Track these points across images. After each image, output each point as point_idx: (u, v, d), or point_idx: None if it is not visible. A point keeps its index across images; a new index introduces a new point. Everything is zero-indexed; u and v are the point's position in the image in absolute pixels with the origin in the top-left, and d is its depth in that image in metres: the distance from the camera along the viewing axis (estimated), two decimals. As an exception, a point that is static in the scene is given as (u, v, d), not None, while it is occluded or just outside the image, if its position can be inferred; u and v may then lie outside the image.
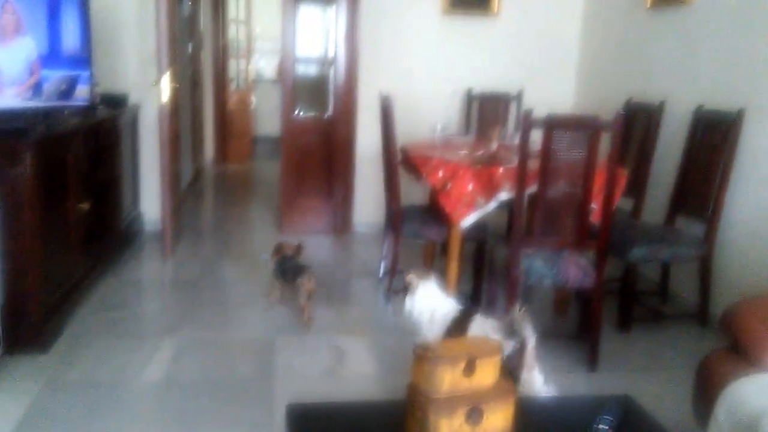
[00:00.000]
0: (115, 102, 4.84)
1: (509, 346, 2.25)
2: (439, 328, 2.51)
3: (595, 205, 3.34)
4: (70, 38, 3.88)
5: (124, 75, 5.19)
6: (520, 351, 2.26)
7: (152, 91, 4.93)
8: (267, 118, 10.05)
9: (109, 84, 4.92)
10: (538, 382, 2.30)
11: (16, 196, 3.12)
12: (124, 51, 5.18)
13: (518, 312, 2.33)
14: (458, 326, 2.47)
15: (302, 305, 3.70)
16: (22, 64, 3.50)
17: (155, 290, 4.36)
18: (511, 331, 2.30)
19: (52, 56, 3.70)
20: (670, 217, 4.12)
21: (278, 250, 3.99)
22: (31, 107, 3.58)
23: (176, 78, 4.98)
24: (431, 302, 2.59)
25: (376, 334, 3.72)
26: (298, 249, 3.98)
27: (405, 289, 2.65)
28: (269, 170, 8.31)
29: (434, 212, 4.04)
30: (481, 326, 2.40)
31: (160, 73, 4.69)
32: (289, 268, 3.84)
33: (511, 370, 2.17)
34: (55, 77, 3.75)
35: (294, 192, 5.63)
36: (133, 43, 5.19)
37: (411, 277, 2.65)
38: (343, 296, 4.38)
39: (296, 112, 5.58)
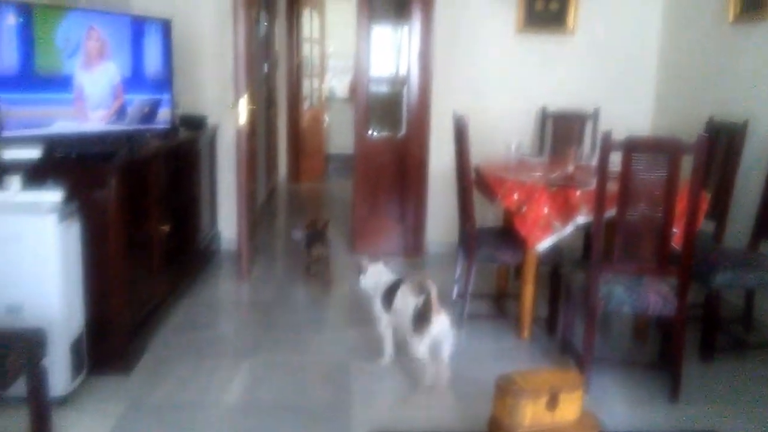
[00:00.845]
0: (194, 124, 4.97)
1: (420, 300, 3.23)
2: (380, 294, 3.56)
3: (677, 230, 3.26)
4: (152, 63, 4.01)
5: (203, 97, 5.33)
6: (427, 300, 3.19)
7: (230, 113, 5.05)
8: (339, 136, 10.16)
9: (189, 106, 5.07)
10: (445, 322, 3.23)
11: (100, 219, 3.21)
12: (203, 74, 5.33)
13: (422, 274, 3.64)
14: (390, 291, 3.51)
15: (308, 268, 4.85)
16: (106, 89, 3.63)
17: (232, 311, 4.43)
18: (421, 288, 3.27)
19: (134, 80, 3.84)
20: (755, 241, 3.95)
21: (309, 225, 5.01)
22: (115, 131, 3.71)
23: (253, 99, 5.09)
24: (377, 277, 3.62)
25: (450, 359, 3.69)
26: (326, 224, 5.00)
27: (359, 270, 3.65)
28: (342, 189, 8.38)
29: (509, 235, 4.01)
30: (403, 290, 3.43)
31: (238, 95, 4.79)
32: (311, 238, 4.86)
33: (423, 314, 3.20)
34: (137, 101, 3.88)
35: (366, 212, 5.67)
36: (210, 65, 5.34)
37: (362, 260, 3.71)
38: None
39: (369, 132, 5.63)
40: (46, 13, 3.25)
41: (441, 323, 3.23)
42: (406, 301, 3.36)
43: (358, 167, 5.64)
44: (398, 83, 5.72)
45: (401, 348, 3.53)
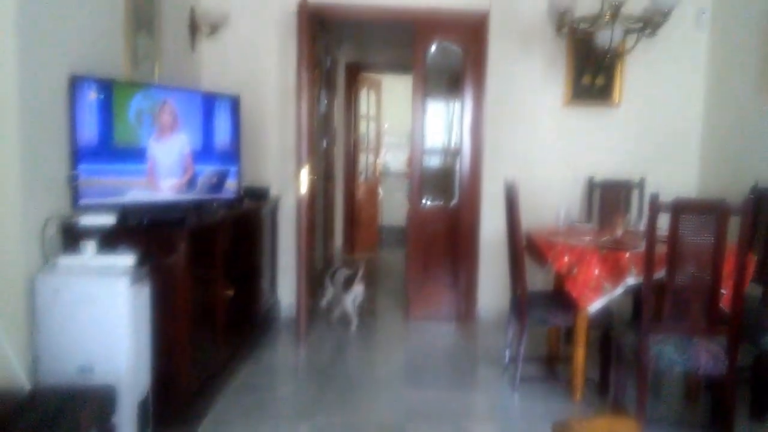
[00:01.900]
0: (258, 194, 5.11)
1: (350, 273, 5.42)
2: (340, 284, 5.41)
3: (725, 290, 3.22)
4: (221, 136, 4.18)
5: (266, 169, 5.50)
6: (354, 274, 5.34)
7: (291, 184, 5.19)
8: (393, 209, 10.28)
9: (253, 177, 5.24)
10: (360, 291, 5.35)
11: (169, 283, 3.29)
12: (267, 147, 5.51)
13: (359, 263, 5.49)
14: (347, 282, 5.37)
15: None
16: (177, 159, 3.79)
17: (291, 374, 4.46)
18: (356, 270, 5.33)
19: (204, 153, 4.01)
20: (804, 304, 3.88)
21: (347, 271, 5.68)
22: (185, 199, 3.85)
23: (313, 171, 5.22)
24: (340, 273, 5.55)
25: (504, 422, 3.66)
26: (358, 268, 5.48)
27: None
28: (395, 259, 8.47)
29: (560, 297, 4.01)
30: (342, 270, 5.54)
31: (299, 166, 4.94)
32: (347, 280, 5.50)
33: (346, 283, 5.35)
34: (207, 172, 4.04)
35: (420, 279, 5.71)
36: (274, 139, 5.51)
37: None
38: (468, 383, 4.32)
39: (423, 201, 5.72)
40: (125, 89, 3.44)
41: (359, 287, 5.36)
42: (342, 275, 5.51)
43: (412, 235, 5.71)
44: (451, 154, 5.84)
45: (461, 411, 3.47)
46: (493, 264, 5.47)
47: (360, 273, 5.34)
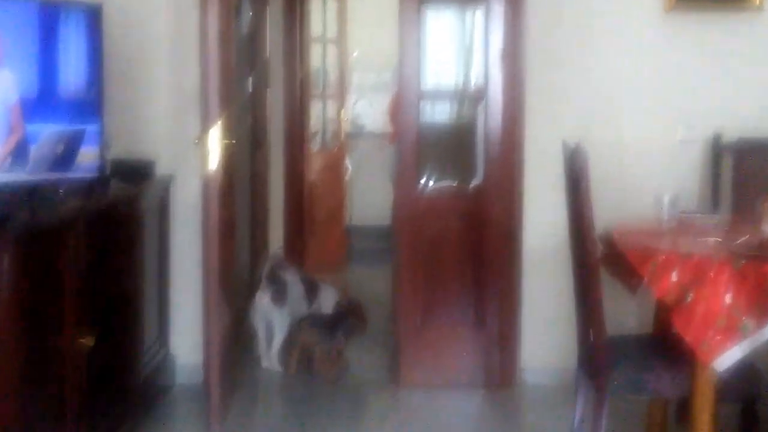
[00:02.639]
0: (136, 172, 5.05)
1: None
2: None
3: None
4: (71, 75, 4.10)
5: (150, 130, 5.47)
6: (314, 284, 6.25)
7: (192, 155, 5.12)
8: (369, 196, 10.26)
9: (127, 144, 5.19)
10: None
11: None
12: (151, 92, 5.47)
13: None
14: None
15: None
16: (-5, 114, 3.70)
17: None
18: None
19: (42, 102, 3.90)
20: None
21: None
22: (9, 182, 3.74)
23: (230, 133, 5.17)
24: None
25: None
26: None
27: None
28: (374, 283, 8.44)
29: (664, 345, 3.97)
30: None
31: (206, 125, 4.86)
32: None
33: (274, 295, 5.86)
34: (46, 135, 3.95)
35: (418, 319, 5.72)
36: (163, 79, 5.48)
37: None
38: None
39: (421, 183, 5.70)
40: None
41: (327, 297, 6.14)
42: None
43: (404, 242, 5.72)
44: (468, 102, 5.80)
45: None
46: (548, 289, 5.48)
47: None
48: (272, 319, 5.83)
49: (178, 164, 5.46)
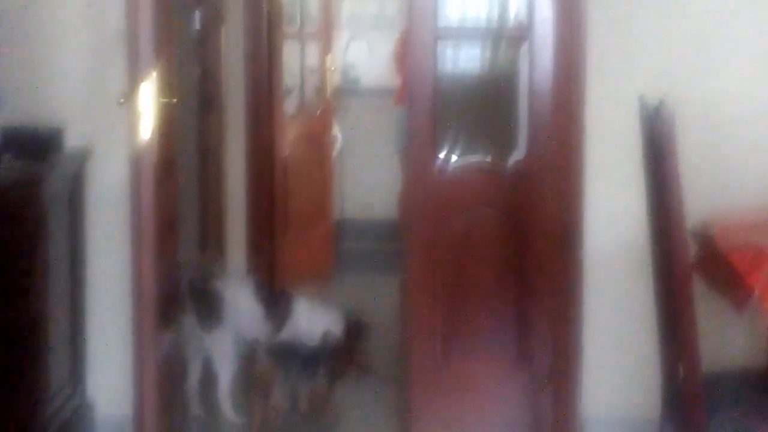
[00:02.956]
0: (37, 145, 5.05)
1: None
2: None
3: None
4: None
5: (57, 86, 5.45)
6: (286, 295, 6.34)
7: (117, 120, 5.12)
8: (368, 179, 10.26)
9: (25, 105, 5.18)
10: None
11: None
12: (57, 33, 5.45)
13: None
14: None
15: None
16: None
17: None
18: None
19: None
20: None
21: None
22: None
23: (170, 88, 5.15)
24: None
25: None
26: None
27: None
28: (373, 299, 8.46)
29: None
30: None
31: (135, 77, 4.87)
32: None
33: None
34: None
35: (437, 349, 5.75)
36: (75, 15, 5.45)
37: None
38: None
39: (441, 159, 5.70)
40: None
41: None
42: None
43: (417, 244, 5.73)
44: (505, 44, 5.80)
45: None
46: (616, 308, 5.50)
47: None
48: (209, 351, 5.86)
49: (96, 133, 5.44)
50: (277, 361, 5.72)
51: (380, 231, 9.42)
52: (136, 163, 4.92)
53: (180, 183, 5.75)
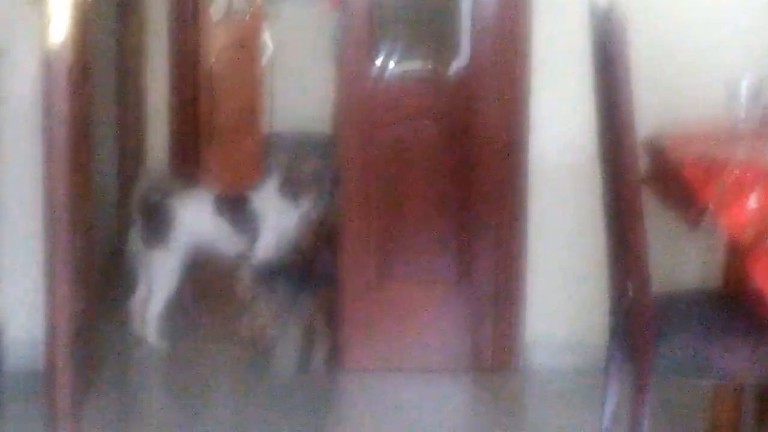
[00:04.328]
0: None
1: None
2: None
3: None
4: None
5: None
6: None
7: (25, 21, 5.09)
8: (301, 88, 10.26)
9: None
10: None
11: None
12: None
13: None
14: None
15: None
16: None
17: None
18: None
19: None
20: None
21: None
22: None
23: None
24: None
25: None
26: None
27: None
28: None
29: (737, 306, 4.01)
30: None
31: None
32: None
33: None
34: None
35: (371, 271, 5.79)
36: None
37: None
38: None
39: (377, 66, 5.69)
40: None
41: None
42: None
43: (352, 158, 5.74)
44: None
45: None
46: (562, 226, 5.56)
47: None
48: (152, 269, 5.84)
49: (3, 35, 5.41)
50: (263, 280, 5.67)
51: (313, 145, 9.41)
52: (47, 68, 4.87)
53: (96, 89, 5.72)
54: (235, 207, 5.89)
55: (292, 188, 5.54)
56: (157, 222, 5.68)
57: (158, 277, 5.58)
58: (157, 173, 6.18)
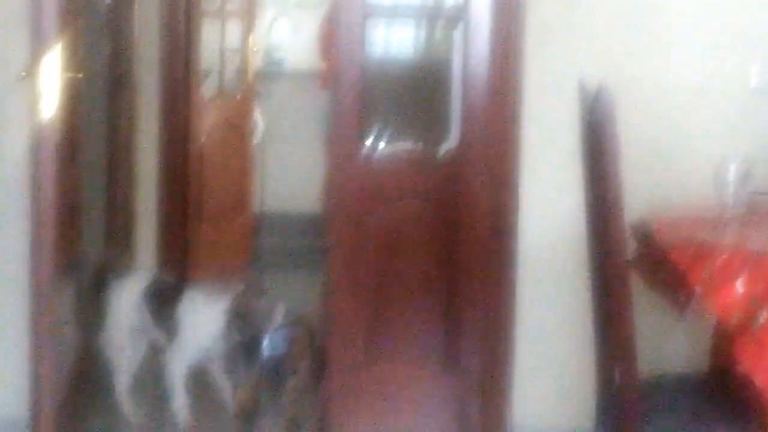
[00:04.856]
0: None
1: None
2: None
3: None
4: None
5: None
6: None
7: (16, 96, 5.12)
8: (292, 169, 10.28)
9: None
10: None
11: None
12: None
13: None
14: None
15: None
16: None
17: None
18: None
19: None
20: None
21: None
22: None
23: (77, 62, 5.15)
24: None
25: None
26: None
27: None
28: (295, 299, 8.43)
29: (723, 390, 4.02)
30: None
31: (38, 50, 4.86)
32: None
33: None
34: None
35: (359, 351, 5.79)
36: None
37: None
38: None
39: (367, 147, 5.73)
40: None
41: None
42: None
43: (341, 238, 5.76)
44: (439, 25, 5.83)
45: None
46: (550, 310, 5.56)
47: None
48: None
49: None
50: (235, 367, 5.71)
51: (303, 225, 9.43)
52: (37, 143, 4.91)
53: (85, 167, 5.73)
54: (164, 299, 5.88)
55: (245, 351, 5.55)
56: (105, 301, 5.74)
57: (117, 356, 5.62)
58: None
